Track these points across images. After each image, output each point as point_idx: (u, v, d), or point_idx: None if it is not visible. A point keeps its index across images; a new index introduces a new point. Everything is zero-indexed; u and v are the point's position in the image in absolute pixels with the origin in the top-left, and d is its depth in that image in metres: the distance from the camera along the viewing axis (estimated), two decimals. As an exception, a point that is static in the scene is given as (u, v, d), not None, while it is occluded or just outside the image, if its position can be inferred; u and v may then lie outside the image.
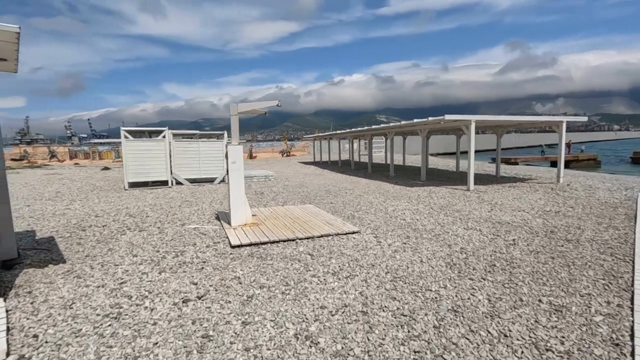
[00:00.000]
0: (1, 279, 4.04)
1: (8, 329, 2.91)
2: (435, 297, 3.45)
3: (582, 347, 2.62)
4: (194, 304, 3.39)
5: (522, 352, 2.57)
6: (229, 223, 6.46)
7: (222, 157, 13.59)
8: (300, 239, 5.64)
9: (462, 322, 2.98)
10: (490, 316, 3.07)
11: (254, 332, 2.87)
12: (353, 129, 19.57)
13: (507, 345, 2.66)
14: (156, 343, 2.72)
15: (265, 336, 2.82)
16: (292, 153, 40.35)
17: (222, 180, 14.10)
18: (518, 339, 2.73)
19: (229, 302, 3.43)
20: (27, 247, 5.50)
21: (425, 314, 3.13)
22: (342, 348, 2.66)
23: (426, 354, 2.59)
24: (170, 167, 13.26)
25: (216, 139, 14.64)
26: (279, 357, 2.57)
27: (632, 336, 2.74)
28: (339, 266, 4.39)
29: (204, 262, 4.67)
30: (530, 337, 2.76)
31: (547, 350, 2.60)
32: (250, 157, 36.09)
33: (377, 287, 3.75)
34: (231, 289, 3.74)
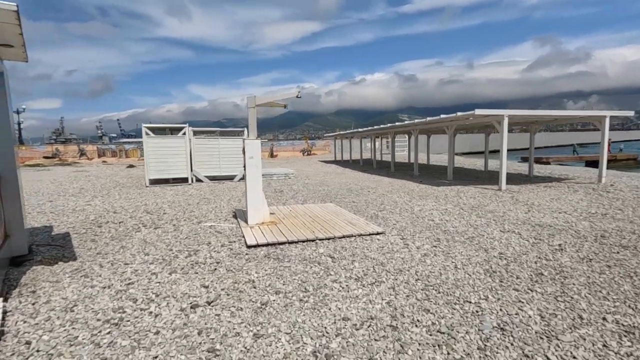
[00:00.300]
0: (7, 277, 3.87)
1: (2, 334, 2.68)
2: (477, 311, 2.98)
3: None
4: (202, 311, 3.06)
5: (593, 386, 2.09)
6: (246, 221, 6.16)
7: (242, 154, 13.43)
8: (320, 240, 5.26)
9: (512, 344, 2.50)
10: (547, 337, 2.58)
11: (267, 348, 2.51)
12: (375, 127, 19.03)
13: (572, 376, 2.17)
14: (156, 357, 2.39)
15: (279, 353, 2.45)
16: (313, 152, 40.07)
17: (242, 178, 13.91)
18: (584, 368, 2.24)
19: (241, 309, 3.09)
20: (42, 242, 5.38)
21: (467, 332, 2.67)
22: (369, 371, 2.25)
23: (471, 382, 2.14)
24: (191, 164, 13.18)
25: (236, 136, 14.49)
26: (294, 379, 2.19)
27: None
28: (363, 271, 3.97)
29: (218, 262, 4.36)
30: (599, 365, 2.26)
31: (625, 384, 2.10)
32: (271, 155, 36.07)
33: (407, 296, 3.31)
34: (244, 294, 3.40)
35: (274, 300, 3.25)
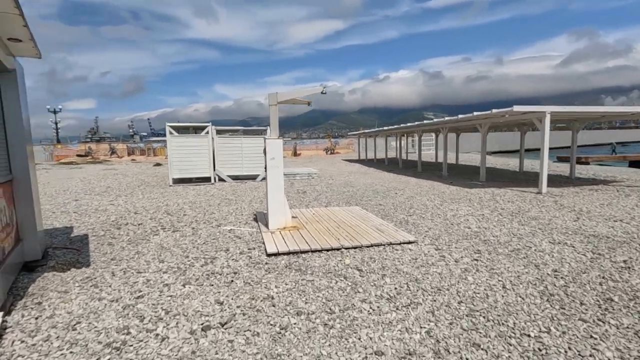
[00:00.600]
0: (16, 284, 3.67)
1: (-5, 356, 2.42)
2: (540, 349, 2.46)
3: None
4: (214, 334, 2.71)
5: None
6: (267, 226, 5.81)
7: (263, 154, 13.17)
8: (346, 249, 4.83)
9: (593, 399, 1.99)
10: (637, 392, 2.04)
11: (286, 389, 2.11)
12: (402, 125, 18.34)
13: None
14: (156, 396, 2.05)
15: (300, 397, 2.04)
16: (337, 151, 39.58)
17: (264, 178, 13.68)
18: None
19: (257, 334, 2.70)
20: (59, 245, 5.24)
21: (530, 378, 2.17)
22: None
23: None
24: (214, 163, 13.06)
25: (259, 135, 14.25)
26: None
27: None
28: (396, 288, 3.51)
29: (235, 273, 4.02)
30: None
31: None
32: (294, 154, 35.89)
33: (450, 323, 2.82)
34: (261, 314, 3.02)
35: (294, 324, 2.85)
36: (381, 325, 2.81)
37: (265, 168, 5.71)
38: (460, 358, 2.37)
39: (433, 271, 3.95)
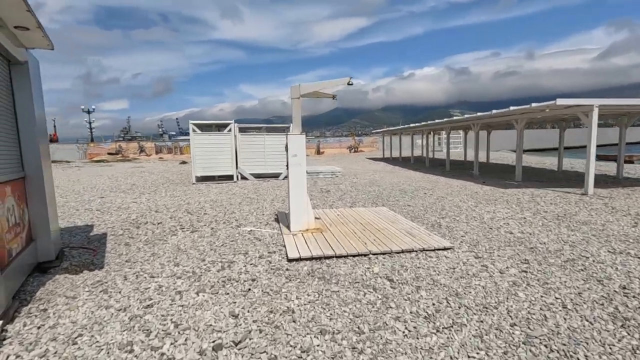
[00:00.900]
0: (25, 287, 3.49)
1: (-14, 373, 2.18)
2: (626, 395, 1.95)
3: None
4: (225, 356, 2.36)
5: None
6: (288, 227, 5.46)
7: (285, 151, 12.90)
8: (374, 254, 4.40)
9: None
10: None
11: None
12: (429, 122, 17.59)
13: None
14: None
15: None
16: (360, 149, 38.96)
17: (287, 176, 13.42)
18: None
19: (275, 358, 2.34)
20: (76, 245, 5.10)
21: None
22: None
23: None
24: (236, 161, 12.90)
25: (282, 132, 13.98)
26: None
27: None
28: (434, 304, 3.05)
29: (253, 280, 3.68)
30: None
31: None
32: (318, 152, 35.58)
33: (504, 353, 2.35)
34: (280, 332, 2.65)
35: (318, 346, 2.46)
36: (420, 353, 2.37)
37: (287, 166, 5.36)
38: (525, 403, 1.91)
39: (475, 284, 3.46)
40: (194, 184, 12.28)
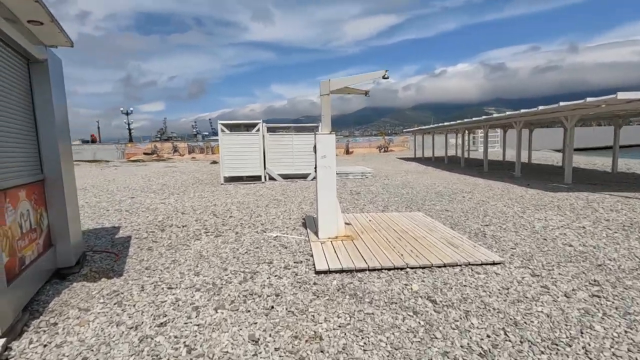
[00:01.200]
0: (40, 297, 3.32)
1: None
2: None
3: None
4: (241, 396, 2.00)
5: None
6: (316, 234, 5.08)
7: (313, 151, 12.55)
8: (412, 268, 3.92)
9: None
10: None
11: None
12: (466, 120, 16.65)
13: None
14: None
15: None
16: (390, 148, 38.02)
17: (315, 177, 13.07)
18: None
19: (299, 402, 1.95)
20: (100, 248, 4.98)
21: None
22: None
23: None
24: (264, 161, 12.72)
25: (310, 132, 13.64)
26: None
27: None
28: (489, 336, 2.55)
29: (277, 295, 3.33)
30: None
31: None
32: (347, 152, 35.06)
33: (591, 413, 1.83)
34: (306, 366, 2.27)
35: (350, 389, 2.05)
36: (479, 406, 1.90)
37: (315, 168, 4.97)
38: None
39: (537, 311, 2.90)
40: (222, 184, 12.21)
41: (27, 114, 3.49)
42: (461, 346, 2.45)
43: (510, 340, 2.50)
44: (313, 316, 2.93)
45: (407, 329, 2.68)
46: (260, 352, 2.42)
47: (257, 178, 12.76)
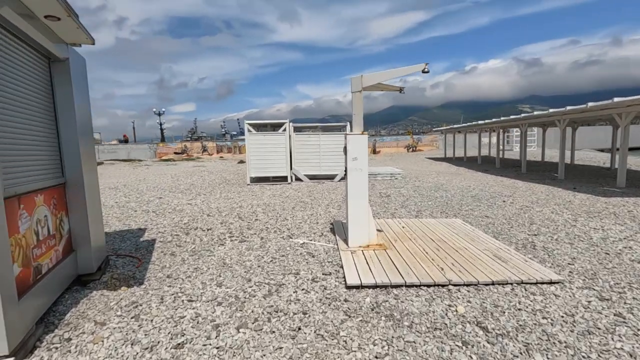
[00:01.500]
0: (57, 307, 3.18)
1: None
2: None
3: None
4: None
5: None
6: (346, 242, 4.73)
7: (343, 153, 12.17)
8: (455, 285, 3.49)
9: None
10: None
11: None
12: (502, 118, 15.72)
13: None
14: None
15: None
16: (419, 148, 36.98)
17: (343, 178, 12.66)
18: None
19: None
20: (123, 252, 4.87)
21: None
22: None
23: None
24: (290, 162, 12.49)
25: (338, 132, 13.28)
26: None
27: None
28: (559, 380, 2.11)
29: (304, 313, 3.01)
30: None
31: None
32: (374, 151, 34.41)
33: None
34: (339, 410, 1.92)
35: None
36: None
37: (345, 170, 4.62)
38: None
39: (616, 348, 2.41)
40: (248, 184, 12.09)
41: (48, 115, 3.36)
42: (527, 393, 2.02)
43: (588, 388, 2.04)
44: (345, 342, 2.58)
45: (457, 365, 2.28)
46: (285, 387, 2.11)
47: (283, 179, 12.56)
